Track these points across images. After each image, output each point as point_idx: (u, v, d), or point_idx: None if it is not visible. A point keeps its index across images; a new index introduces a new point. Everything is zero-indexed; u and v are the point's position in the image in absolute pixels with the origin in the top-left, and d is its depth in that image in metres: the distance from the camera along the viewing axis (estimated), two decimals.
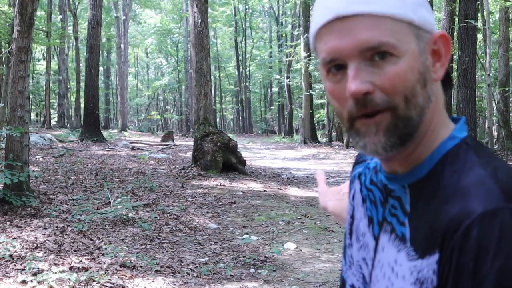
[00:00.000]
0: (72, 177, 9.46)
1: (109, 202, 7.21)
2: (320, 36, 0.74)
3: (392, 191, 0.78)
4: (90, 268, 4.34)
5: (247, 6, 40.33)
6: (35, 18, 6.81)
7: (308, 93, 23.29)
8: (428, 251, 0.68)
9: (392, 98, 0.70)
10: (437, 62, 0.74)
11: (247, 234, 5.97)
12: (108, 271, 4.29)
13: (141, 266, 4.52)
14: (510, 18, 16.56)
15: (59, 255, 4.66)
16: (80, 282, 3.97)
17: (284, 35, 36.94)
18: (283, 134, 31.84)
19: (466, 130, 0.76)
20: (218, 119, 43.72)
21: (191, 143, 16.20)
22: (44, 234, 5.35)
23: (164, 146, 18.46)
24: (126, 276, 4.25)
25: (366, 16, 0.69)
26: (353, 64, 0.70)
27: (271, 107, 44.09)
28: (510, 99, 17.37)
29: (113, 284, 4.01)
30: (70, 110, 29.27)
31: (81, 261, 4.52)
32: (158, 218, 6.53)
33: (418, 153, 0.75)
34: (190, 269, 4.60)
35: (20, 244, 4.93)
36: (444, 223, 0.66)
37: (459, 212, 0.64)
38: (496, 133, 19.15)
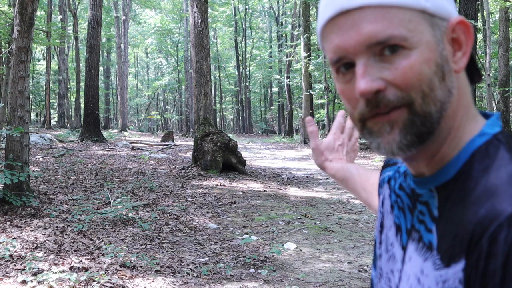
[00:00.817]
0: (72, 177, 9.46)
1: (109, 202, 7.21)
2: (325, 34, 0.69)
3: (420, 196, 0.72)
4: (90, 268, 4.34)
5: (247, 6, 40.35)
6: (35, 18, 6.81)
7: (308, 93, 23.29)
8: (453, 259, 0.61)
9: (407, 93, 0.63)
10: (457, 52, 0.68)
11: (247, 234, 5.97)
12: (108, 271, 4.29)
13: (141, 266, 4.52)
14: (510, 18, 16.57)
15: (59, 255, 4.66)
16: (80, 282, 3.97)
17: (284, 35, 36.95)
18: (283, 134, 31.85)
19: (499, 125, 0.69)
20: (218, 119, 43.72)
21: (191, 143, 16.21)
22: (44, 234, 5.35)
23: (164, 146, 18.46)
24: (126, 276, 4.25)
25: (371, 7, 0.63)
26: (361, 61, 0.64)
27: (271, 107, 44.11)
28: (510, 99, 17.37)
29: (113, 284, 4.01)
30: (70, 110, 29.27)
31: (81, 261, 4.52)
32: (158, 218, 6.53)
33: (443, 152, 0.68)
34: (190, 269, 4.60)
35: (20, 244, 4.93)
36: (471, 227, 0.59)
37: (487, 214, 0.58)
38: None
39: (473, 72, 0.73)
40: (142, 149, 16.72)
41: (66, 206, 6.89)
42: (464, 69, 0.69)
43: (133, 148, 16.82)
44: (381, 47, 0.64)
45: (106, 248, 4.93)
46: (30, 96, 7.19)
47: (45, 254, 4.66)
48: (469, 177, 0.64)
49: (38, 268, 4.22)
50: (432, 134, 0.66)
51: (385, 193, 0.83)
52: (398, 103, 0.64)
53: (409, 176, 0.75)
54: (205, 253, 5.18)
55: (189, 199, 8.06)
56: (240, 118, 44.23)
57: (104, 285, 3.95)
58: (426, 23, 0.65)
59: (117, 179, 9.57)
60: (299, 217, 7.07)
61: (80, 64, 26.04)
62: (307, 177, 12.00)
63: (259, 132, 43.46)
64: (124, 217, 6.29)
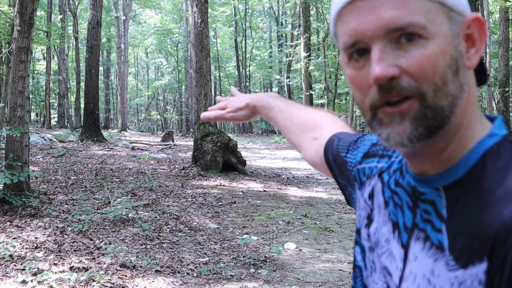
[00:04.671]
0: (72, 177, 9.46)
1: (109, 202, 7.21)
2: (341, 18, 0.68)
3: (422, 194, 0.71)
4: (90, 268, 4.34)
5: (247, 6, 40.34)
6: (35, 18, 6.81)
7: (308, 93, 23.29)
8: (471, 260, 0.61)
9: (420, 83, 0.63)
10: (471, 48, 0.67)
11: (247, 234, 5.97)
12: (108, 271, 4.29)
13: (141, 266, 4.52)
14: (510, 18, 16.57)
15: (59, 255, 4.66)
16: (80, 282, 3.97)
17: (284, 35, 36.95)
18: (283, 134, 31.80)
19: (505, 128, 0.69)
20: None
21: (191, 143, 16.21)
22: (44, 234, 5.35)
23: (164, 146, 18.46)
24: (126, 276, 4.25)
25: None
26: (378, 46, 0.63)
27: None
28: (510, 99, 17.37)
29: (113, 284, 4.01)
30: (70, 110, 29.27)
31: (81, 261, 4.52)
32: (158, 218, 6.53)
33: (451, 150, 0.67)
34: (190, 269, 4.60)
35: (20, 244, 4.93)
36: (494, 229, 0.58)
37: (511, 215, 0.57)
38: None
39: (480, 73, 0.72)
40: (142, 149, 16.72)
41: (66, 206, 6.89)
42: (475, 67, 0.69)
43: (133, 148, 16.82)
44: (398, 34, 0.63)
45: (106, 248, 4.93)
46: (30, 96, 7.19)
47: (45, 254, 4.66)
48: (483, 177, 0.64)
49: (38, 268, 4.22)
50: (441, 128, 0.65)
51: (376, 187, 0.81)
52: (410, 92, 0.63)
53: (408, 174, 0.74)
54: (205, 253, 5.18)
55: (189, 199, 8.06)
56: None
57: (104, 285, 3.95)
58: (444, 15, 0.64)
59: (117, 179, 9.56)
60: (299, 217, 7.07)
61: (80, 64, 26.03)
62: (307, 177, 12.00)
63: (259, 132, 43.46)
64: (124, 217, 6.29)
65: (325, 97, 24.27)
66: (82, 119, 20.56)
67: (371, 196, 0.82)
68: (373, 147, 0.88)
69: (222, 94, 44.23)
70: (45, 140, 15.97)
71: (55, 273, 4.10)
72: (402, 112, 0.64)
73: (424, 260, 0.68)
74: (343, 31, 0.67)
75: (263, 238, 5.84)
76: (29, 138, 7.33)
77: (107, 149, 15.62)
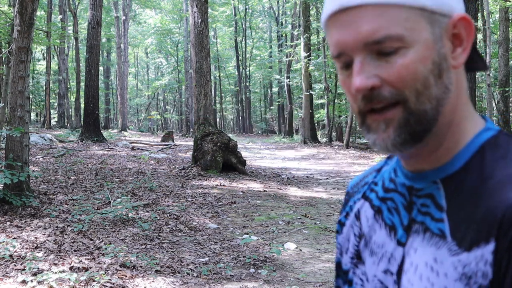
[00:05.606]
0: (72, 177, 9.46)
1: (109, 202, 7.21)
2: (327, 28, 0.70)
3: (419, 190, 0.72)
4: (90, 268, 4.34)
5: (247, 6, 40.33)
6: (35, 18, 6.81)
7: (308, 93, 23.29)
8: (476, 242, 0.62)
9: (402, 90, 0.65)
10: (458, 47, 0.68)
11: (247, 234, 5.98)
12: (108, 271, 4.29)
13: (141, 266, 4.52)
14: (510, 18, 16.56)
15: (59, 255, 4.66)
16: (80, 282, 3.97)
17: (284, 35, 36.92)
18: (283, 134, 31.84)
19: (495, 125, 0.72)
20: (218, 119, 43.70)
21: (191, 143, 16.20)
22: (44, 234, 5.35)
23: (164, 146, 18.46)
24: (126, 276, 4.25)
25: (370, 6, 0.64)
26: (358, 58, 0.66)
27: (271, 107, 44.09)
28: (510, 99, 17.37)
29: (113, 284, 4.01)
30: (70, 110, 29.26)
31: (81, 261, 4.52)
32: (158, 218, 6.53)
33: (445, 147, 0.69)
34: (190, 269, 4.61)
35: (20, 244, 4.93)
36: (500, 211, 0.61)
37: None
38: None
39: (476, 60, 0.74)
40: (142, 149, 16.72)
41: (66, 206, 6.89)
42: (463, 64, 0.70)
43: (133, 148, 16.81)
44: (377, 47, 0.65)
45: (106, 248, 4.93)
46: (30, 96, 7.19)
47: (45, 254, 4.66)
48: (483, 166, 0.66)
49: (38, 268, 4.22)
50: (429, 131, 0.67)
51: (362, 208, 0.82)
52: (393, 100, 0.65)
53: (398, 177, 0.76)
54: (205, 253, 5.18)
55: (189, 199, 8.06)
56: (240, 118, 44.20)
57: (104, 285, 3.95)
58: (425, 21, 0.65)
59: (117, 179, 9.56)
60: (299, 217, 7.07)
61: (80, 64, 26.03)
62: (307, 177, 12.00)
63: (259, 132, 43.46)
64: (124, 217, 6.29)
65: (325, 97, 24.27)
66: (82, 119, 20.54)
67: (358, 217, 0.83)
68: (351, 188, 0.89)
69: (222, 94, 44.23)
70: (45, 140, 15.97)
71: (55, 273, 4.10)
72: (387, 119, 0.67)
73: (426, 249, 0.69)
74: (329, 41, 0.70)
75: (263, 238, 5.84)
76: (29, 138, 7.33)
77: (107, 149, 15.62)
